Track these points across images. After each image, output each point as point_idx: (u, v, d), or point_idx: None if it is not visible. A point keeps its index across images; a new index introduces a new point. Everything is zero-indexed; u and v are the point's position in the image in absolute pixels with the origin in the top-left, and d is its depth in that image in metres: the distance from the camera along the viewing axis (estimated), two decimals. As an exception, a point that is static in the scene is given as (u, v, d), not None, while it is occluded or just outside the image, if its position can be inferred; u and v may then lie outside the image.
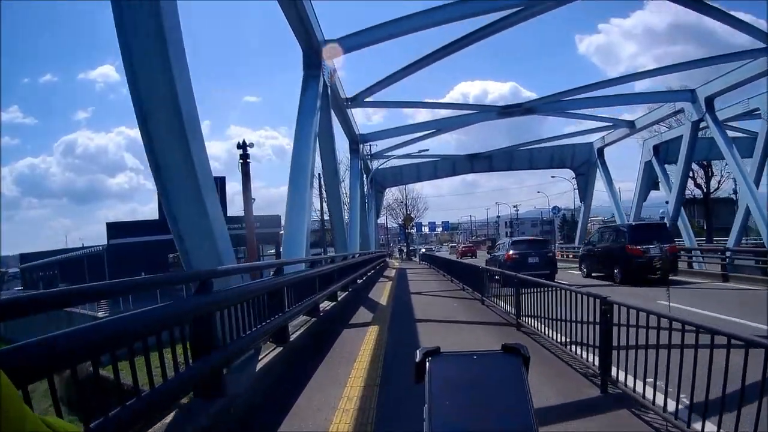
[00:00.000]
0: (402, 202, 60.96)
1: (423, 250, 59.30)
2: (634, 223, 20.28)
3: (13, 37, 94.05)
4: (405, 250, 54.03)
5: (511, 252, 17.85)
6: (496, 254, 19.56)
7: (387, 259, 42.25)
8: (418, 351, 0.98)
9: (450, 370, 0.96)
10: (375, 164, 36.01)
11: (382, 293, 15.45)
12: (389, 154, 32.40)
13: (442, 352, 0.99)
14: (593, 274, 18.38)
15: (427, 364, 0.96)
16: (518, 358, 0.96)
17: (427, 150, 31.14)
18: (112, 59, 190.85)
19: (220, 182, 43.90)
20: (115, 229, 40.68)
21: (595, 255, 18.49)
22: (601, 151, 33.04)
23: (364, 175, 30.48)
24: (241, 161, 23.20)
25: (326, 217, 42.03)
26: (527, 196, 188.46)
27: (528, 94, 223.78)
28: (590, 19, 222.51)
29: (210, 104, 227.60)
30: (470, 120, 26.40)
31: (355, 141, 25.97)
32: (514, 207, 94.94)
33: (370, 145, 31.75)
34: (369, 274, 21.08)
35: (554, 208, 52.08)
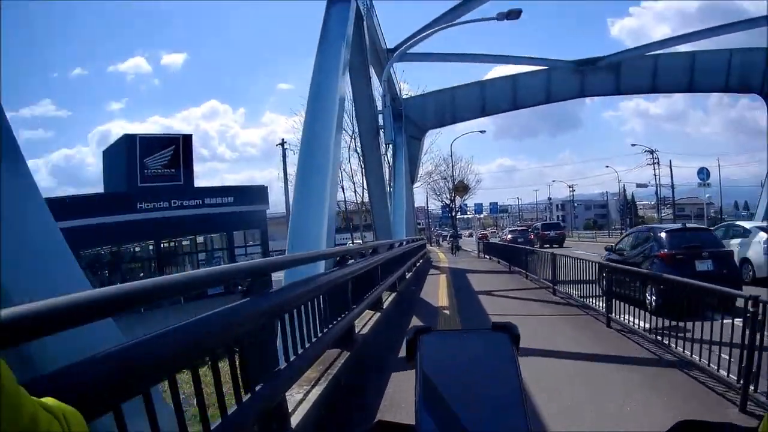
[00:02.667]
0: (445, 173, 45.54)
1: (484, 235, 45.17)
2: (543, 223, 41.35)
3: (38, 35, 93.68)
4: (454, 238, 37.02)
5: (508, 236, 34.51)
6: (500, 236, 41.62)
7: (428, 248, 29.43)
8: (409, 329, 0.98)
9: (441, 348, 0.95)
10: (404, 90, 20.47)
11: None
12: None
13: (433, 330, 0.98)
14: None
15: (419, 342, 0.94)
16: (507, 336, 0.94)
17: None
18: (141, 51, 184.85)
19: (183, 142, 29.15)
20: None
21: (536, 236, 33.71)
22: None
23: (372, 78, 14.71)
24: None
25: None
26: (570, 179, 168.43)
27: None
28: (622, 2, 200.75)
29: (245, 92, 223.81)
30: None
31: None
32: (570, 188, 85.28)
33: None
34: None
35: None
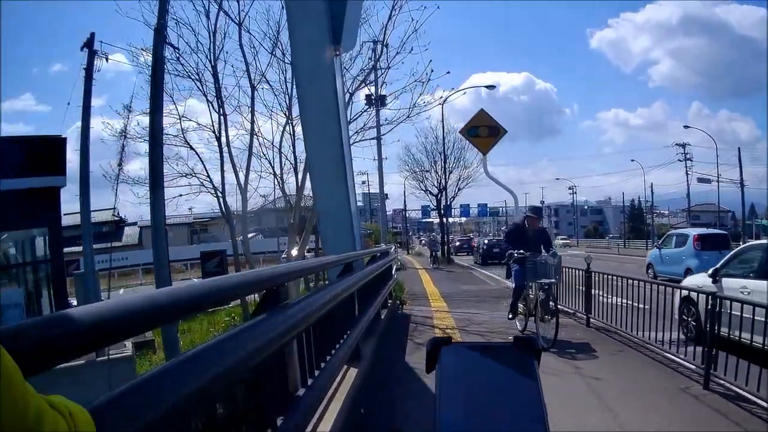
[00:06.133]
0: (433, 148, 30.72)
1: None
2: (460, 238, 46.98)
3: (20, 31, 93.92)
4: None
5: (456, 243, 41.74)
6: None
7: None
8: (428, 340, 0.94)
9: (461, 361, 0.91)
10: None
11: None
12: None
13: (454, 342, 0.93)
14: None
15: (439, 354, 0.91)
16: (530, 352, 0.91)
17: None
18: (120, 49, 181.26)
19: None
20: None
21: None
22: None
23: None
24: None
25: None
26: (555, 185, 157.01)
27: (543, 86, 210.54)
28: (601, 14, 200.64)
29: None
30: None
31: None
32: (571, 190, 79.31)
33: None
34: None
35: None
